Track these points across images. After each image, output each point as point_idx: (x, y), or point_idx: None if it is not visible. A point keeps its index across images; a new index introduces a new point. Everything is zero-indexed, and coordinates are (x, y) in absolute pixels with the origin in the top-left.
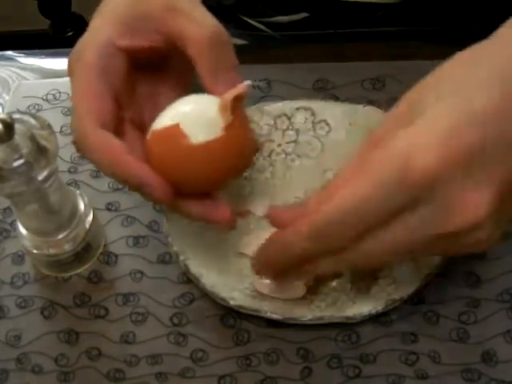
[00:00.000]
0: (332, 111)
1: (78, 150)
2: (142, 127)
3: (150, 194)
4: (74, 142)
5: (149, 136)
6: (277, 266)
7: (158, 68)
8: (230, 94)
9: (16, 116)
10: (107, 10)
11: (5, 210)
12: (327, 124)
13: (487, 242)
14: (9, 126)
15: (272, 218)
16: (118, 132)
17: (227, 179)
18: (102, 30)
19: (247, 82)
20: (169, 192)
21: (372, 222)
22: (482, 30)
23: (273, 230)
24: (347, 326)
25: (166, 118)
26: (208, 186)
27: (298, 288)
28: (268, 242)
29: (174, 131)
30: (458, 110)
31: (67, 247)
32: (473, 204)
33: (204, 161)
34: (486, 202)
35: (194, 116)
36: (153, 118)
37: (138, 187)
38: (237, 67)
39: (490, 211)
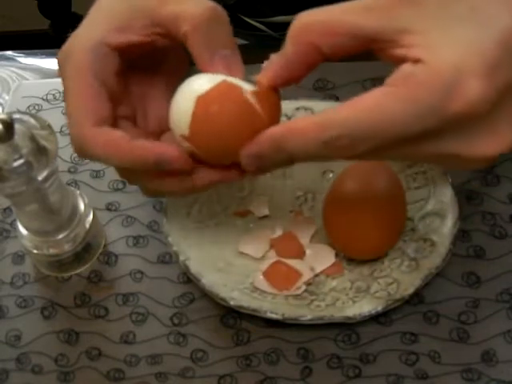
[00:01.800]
0: None
1: (80, 153)
2: (135, 124)
3: (169, 167)
4: (74, 146)
5: (194, 104)
6: (265, 163)
7: (150, 68)
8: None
9: (16, 116)
10: (102, 6)
11: (5, 210)
12: None
13: (502, 139)
14: (9, 126)
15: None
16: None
17: None
18: (94, 28)
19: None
20: (188, 159)
21: (392, 141)
22: None
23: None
24: (347, 326)
25: (198, 84)
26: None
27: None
28: (265, 138)
29: (226, 86)
30: (502, 31)
31: (67, 247)
32: (500, 141)
33: (256, 111)
34: (510, 142)
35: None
36: (145, 116)
37: (155, 165)
38: (235, 46)
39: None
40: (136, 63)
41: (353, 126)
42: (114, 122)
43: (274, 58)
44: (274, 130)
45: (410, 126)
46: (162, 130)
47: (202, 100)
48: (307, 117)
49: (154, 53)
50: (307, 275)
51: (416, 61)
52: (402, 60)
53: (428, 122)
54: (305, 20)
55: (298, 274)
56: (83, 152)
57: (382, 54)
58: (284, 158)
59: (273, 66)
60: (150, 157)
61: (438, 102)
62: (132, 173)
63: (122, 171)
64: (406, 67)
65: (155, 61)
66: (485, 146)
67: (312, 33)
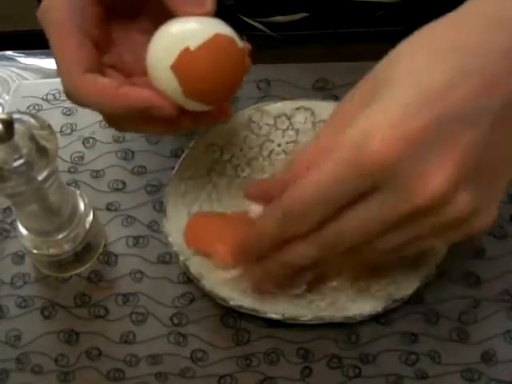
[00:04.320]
0: (332, 111)
1: (72, 100)
2: (124, 70)
3: (158, 112)
4: (66, 94)
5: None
6: (251, 255)
7: (132, 14)
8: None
9: (16, 116)
10: None
11: (5, 210)
12: None
13: (481, 217)
14: (9, 126)
15: (245, 192)
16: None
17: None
18: None
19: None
20: (174, 106)
21: (332, 208)
22: None
23: None
24: (347, 326)
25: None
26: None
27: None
28: (242, 236)
29: (222, 39)
30: (412, 89)
31: (67, 247)
32: (430, 179)
33: (241, 59)
34: (444, 175)
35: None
36: (134, 59)
37: (144, 110)
38: None
39: (451, 182)
40: (117, 10)
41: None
42: (101, 71)
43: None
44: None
45: (340, 193)
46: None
47: (201, 48)
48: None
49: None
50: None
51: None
52: None
53: (352, 185)
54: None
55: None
56: (75, 100)
57: None
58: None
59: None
60: (139, 103)
61: (350, 165)
62: (118, 118)
63: (108, 116)
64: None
65: (136, 7)
66: (415, 192)
67: None
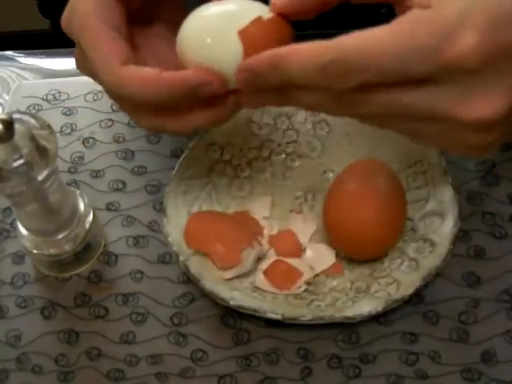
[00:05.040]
0: None
1: (114, 94)
2: None
3: (206, 89)
4: (107, 89)
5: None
6: (262, 82)
7: (147, 19)
8: None
9: (16, 116)
10: None
11: (5, 210)
12: (327, 124)
13: (485, 149)
14: (9, 126)
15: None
16: None
17: None
18: None
19: None
20: (223, 82)
21: (387, 78)
22: None
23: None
24: (347, 326)
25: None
26: None
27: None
28: (266, 55)
29: (275, 21)
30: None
31: (67, 247)
32: (492, 103)
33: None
34: (503, 107)
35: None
36: (156, 64)
37: (192, 90)
38: None
39: (502, 117)
40: (135, 15)
41: (350, 52)
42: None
43: None
44: (275, 49)
45: (405, 62)
46: None
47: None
48: (310, 42)
49: (150, 4)
50: (307, 274)
51: (425, 6)
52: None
53: (422, 62)
54: None
55: (298, 273)
56: (117, 92)
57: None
58: (281, 79)
59: None
60: (187, 82)
61: (434, 45)
62: (160, 110)
63: (147, 111)
64: (414, 10)
65: (150, 13)
66: (477, 105)
67: None
